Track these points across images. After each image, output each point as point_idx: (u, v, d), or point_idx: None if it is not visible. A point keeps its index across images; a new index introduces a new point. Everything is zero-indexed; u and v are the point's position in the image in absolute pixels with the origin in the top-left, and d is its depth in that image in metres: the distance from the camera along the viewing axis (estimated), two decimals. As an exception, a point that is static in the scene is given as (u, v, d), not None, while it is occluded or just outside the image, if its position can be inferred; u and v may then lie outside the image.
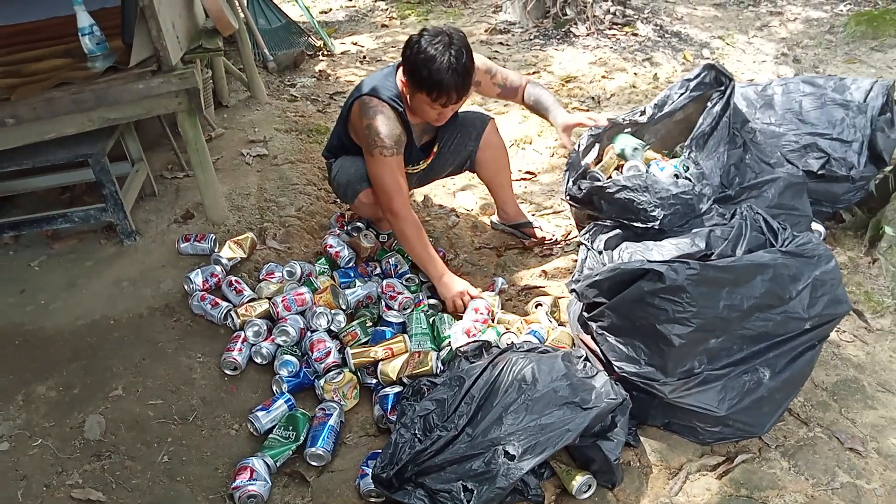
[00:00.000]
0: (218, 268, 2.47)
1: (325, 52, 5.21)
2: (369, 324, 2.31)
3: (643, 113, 2.50)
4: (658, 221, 2.15)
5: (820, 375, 2.02)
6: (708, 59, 4.86)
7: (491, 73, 2.49)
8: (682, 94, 2.42)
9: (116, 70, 2.45)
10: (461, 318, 2.26)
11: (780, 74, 4.51)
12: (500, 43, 5.33)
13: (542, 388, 1.73)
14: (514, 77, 2.55)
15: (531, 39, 5.36)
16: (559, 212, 3.04)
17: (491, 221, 2.96)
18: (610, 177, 2.44)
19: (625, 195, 2.21)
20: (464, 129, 2.63)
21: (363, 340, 2.23)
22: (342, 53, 5.25)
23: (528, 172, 3.42)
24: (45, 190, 2.94)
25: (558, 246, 2.80)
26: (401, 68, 2.25)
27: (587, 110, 4.09)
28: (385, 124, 2.25)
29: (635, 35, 5.23)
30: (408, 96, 2.26)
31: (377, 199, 2.39)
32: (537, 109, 2.54)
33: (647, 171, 2.36)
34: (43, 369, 2.16)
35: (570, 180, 2.45)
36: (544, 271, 2.63)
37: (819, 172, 2.51)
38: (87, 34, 2.59)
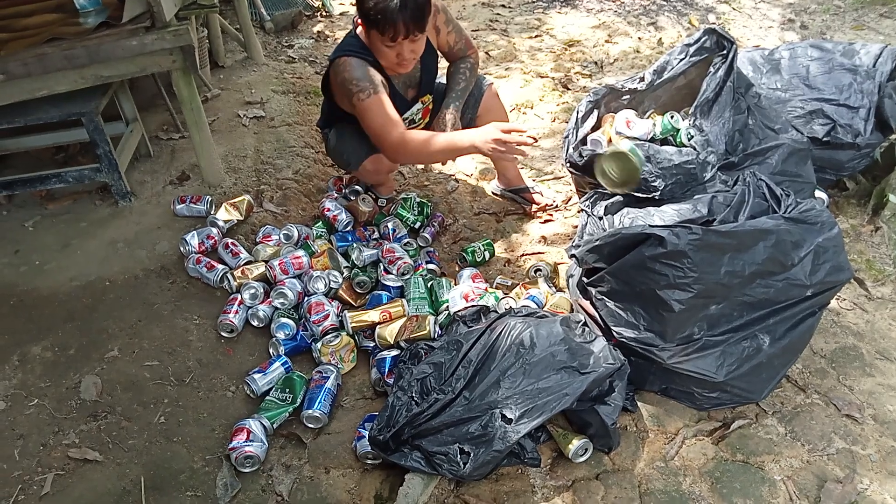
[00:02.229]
0: (214, 230, 2.45)
1: (324, 13, 5.10)
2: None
3: (642, 80, 2.45)
4: (659, 192, 2.13)
5: (819, 343, 2.01)
6: (714, 24, 4.77)
7: (449, 26, 2.38)
8: (681, 60, 2.37)
9: (109, 26, 2.40)
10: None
11: (786, 41, 4.43)
12: (503, 5, 5.22)
13: (539, 352, 1.72)
14: (464, 44, 2.45)
15: (534, 2, 5.25)
16: (560, 177, 3.01)
17: (491, 190, 2.93)
18: (609, 142, 2.40)
19: (626, 164, 2.18)
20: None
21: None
22: (340, 14, 5.15)
23: (528, 137, 3.37)
24: (38, 150, 2.90)
25: (558, 212, 2.77)
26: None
27: (590, 76, 4.02)
28: (355, 70, 2.18)
29: (640, -2, 5.13)
30: (368, 44, 2.20)
31: (378, 145, 2.26)
32: (447, 80, 2.51)
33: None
34: (38, 330, 2.15)
35: (571, 146, 2.41)
36: (543, 237, 2.60)
37: (824, 139, 2.47)
38: (78, -12, 2.53)
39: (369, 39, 2.18)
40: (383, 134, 2.16)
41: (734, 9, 5.00)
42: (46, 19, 2.59)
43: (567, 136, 2.44)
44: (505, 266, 2.50)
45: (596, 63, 4.17)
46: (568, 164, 2.35)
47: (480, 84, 2.62)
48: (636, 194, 2.09)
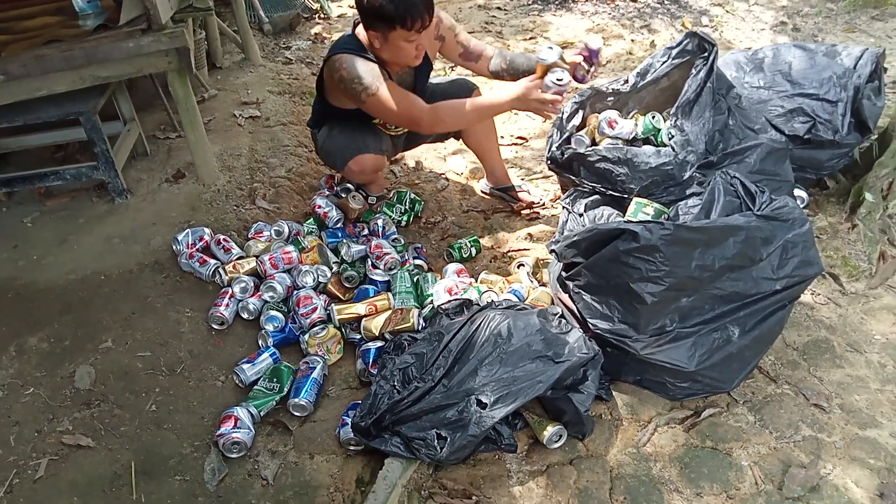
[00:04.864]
0: (206, 230, 2.50)
1: (322, 16, 5.18)
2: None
3: (626, 82, 2.51)
4: (634, 192, 2.19)
5: (792, 336, 2.06)
6: (707, 26, 4.83)
7: (454, 30, 2.46)
8: (664, 62, 2.44)
9: (107, 28, 2.47)
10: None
11: (779, 43, 4.48)
12: (498, 8, 5.29)
13: (516, 342, 1.78)
14: (476, 42, 2.51)
15: (529, 4, 5.32)
16: (548, 176, 3.06)
17: (480, 189, 2.99)
18: (593, 141, 2.46)
19: (604, 165, 2.25)
20: (447, 98, 2.61)
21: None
22: (339, 17, 5.23)
23: (519, 138, 3.44)
24: (38, 148, 2.97)
25: (545, 210, 2.83)
26: (359, 26, 2.27)
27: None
28: (355, 68, 2.22)
29: (634, 1, 5.19)
30: (378, 46, 2.23)
31: (411, 125, 2.34)
32: (514, 68, 2.47)
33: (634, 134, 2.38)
34: (35, 322, 2.21)
35: (554, 145, 2.48)
36: (529, 234, 2.66)
37: (805, 137, 2.53)
38: (77, -8, 2.60)
39: (384, 43, 2.21)
40: (412, 113, 2.24)
41: (728, 11, 5.05)
42: (47, 22, 2.66)
43: (551, 136, 2.50)
44: (491, 262, 2.56)
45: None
46: (549, 163, 2.41)
47: (468, 87, 2.67)
48: (613, 193, 2.16)
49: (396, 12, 2.09)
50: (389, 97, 2.21)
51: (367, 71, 2.22)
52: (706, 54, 2.39)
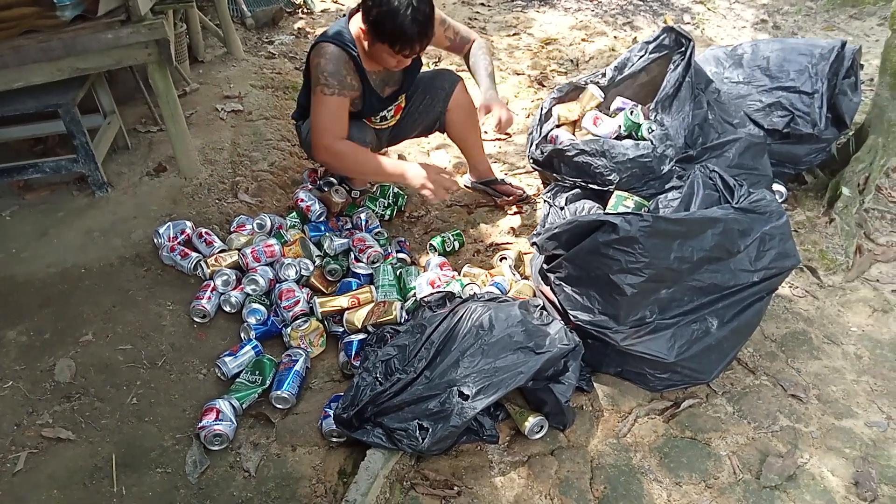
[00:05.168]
0: (188, 223, 2.49)
1: (305, 10, 5.15)
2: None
3: (604, 76, 2.53)
4: (614, 185, 2.21)
5: (770, 328, 2.09)
6: (688, 24, 4.87)
7: (444, 24, 2.50)
8: (641, 57, 2.46)
9: (85, 19, 2.44)
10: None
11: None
12: (482, 3, 5.30)
13: (498, 333, 1.79)
14: (464, 33, 2.57)
15: (513, 1, 5.33)
16: (531, 172, 3.07)
17: (463, 183, 2.99)
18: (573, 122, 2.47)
19: (582, 159, 2.26)
20: (432, 91, 2.63)
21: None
22: (322, 12, 5.20)
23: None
24: (16, 141, 2.93)
25: (528, 204, 2.84)
26: (355, 15, 2.27)
27: (565, 73, 4.10)
28: (332, 63, 2.23)
29: (617, -2, 5.22)
30: (365, 43, 2.25)
31: (313, 140, 2.31)
32: (474, 68, 2.57)
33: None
34: (14, 315, 2.19)
35: (534, 143, 2.49)
36: (512, 228, 2.67)
37: (784, 131, 2.56)
38: (55, -18, 2.56)
39: (371, 45, 2.21)
40: (322, 133, 2.27)
41: (709, 9, 5.10)
42: (24, 12, 2.62)
43: (531, 133, 2.51)
44: (474, 255, 2.56)
45: (572, 61, 4.25)
46: (531, 160, 2.42)
47: (452, 80, 2.68)
48: (593, 187, 2.18)
49: (391, 34, 2.10)
50: (333, 109, 2.25)
51: (340, 76, 2.25)
52: (683, 49, 2.41)
